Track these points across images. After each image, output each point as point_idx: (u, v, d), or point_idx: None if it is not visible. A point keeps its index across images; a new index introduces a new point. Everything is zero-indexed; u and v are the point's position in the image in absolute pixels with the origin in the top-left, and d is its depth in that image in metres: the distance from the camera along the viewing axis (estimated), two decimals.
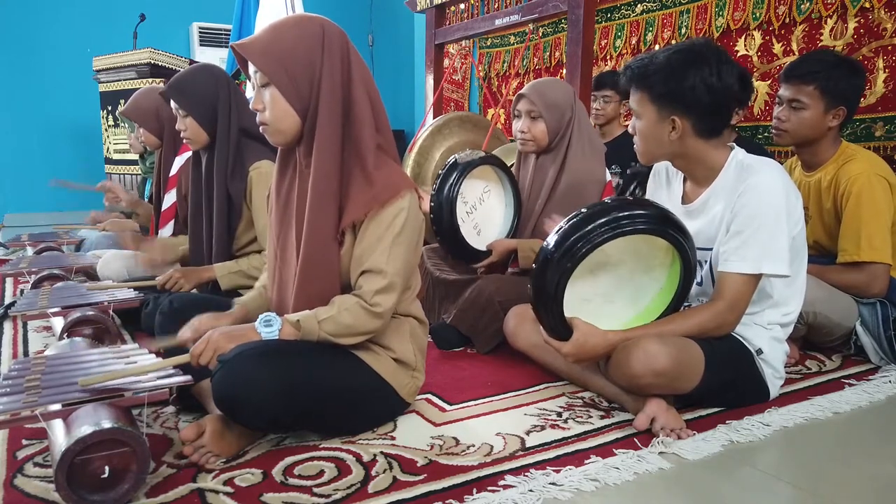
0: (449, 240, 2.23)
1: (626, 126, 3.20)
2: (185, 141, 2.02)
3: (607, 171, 2.23)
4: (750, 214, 1.49)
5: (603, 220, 1.42)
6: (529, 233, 2.25)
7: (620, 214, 1.43)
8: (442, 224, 2.20)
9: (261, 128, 1.39)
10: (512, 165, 2.36)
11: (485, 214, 2.30)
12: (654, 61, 1.54)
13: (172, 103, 2.01)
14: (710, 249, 1.60)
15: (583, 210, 1.46)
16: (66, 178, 6.12)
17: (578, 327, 1.50)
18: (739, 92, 1.56)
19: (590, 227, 1.41)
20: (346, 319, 1.33)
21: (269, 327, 1.32)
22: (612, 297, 1.59)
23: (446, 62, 4.19)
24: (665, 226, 1.46)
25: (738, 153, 1.60)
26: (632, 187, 2.35)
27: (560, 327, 1.51)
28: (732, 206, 1.53)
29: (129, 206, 2.94)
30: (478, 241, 2.25)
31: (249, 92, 1.59)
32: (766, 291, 1.58)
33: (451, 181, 2.18)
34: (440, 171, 2.25)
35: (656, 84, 1.52)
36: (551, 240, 1.46)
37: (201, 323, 1.43)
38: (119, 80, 4.60)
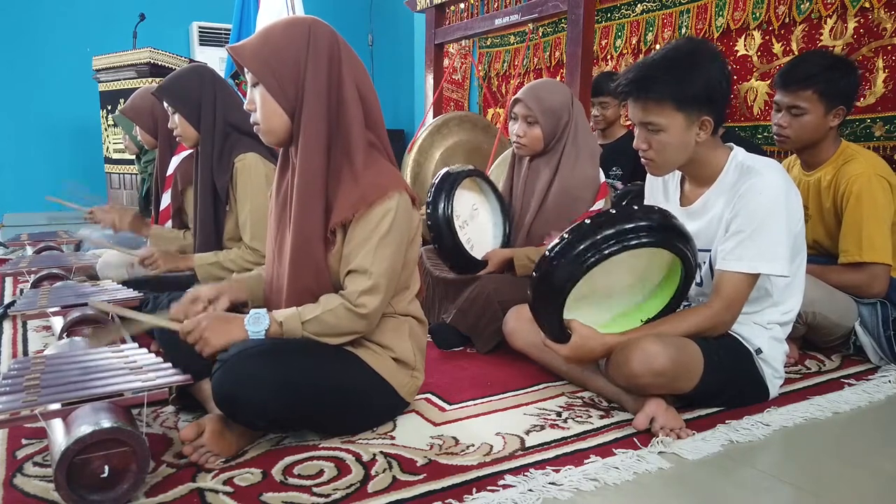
0: (451, 253, 2.21)
1: (628, 127, 3.20)
2: (177, 139, 2.07)
3: (601, 172, 2.23)
4: (750, 215, 1.49)
5: (611, 230, 1.38)
6: (524, 236, 2.24)
7: (627, 227, 1.39)
8: (442, 237, 2.18)
9: (254, 128, 1.42)
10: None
11: (476, 230, 2.30)
12: (662, 68, 1.48)
13: (164, 102, 2.07)
14: (710, 250, 1.60)
15: (587, 221, 1.42)
16: (66, 177, 6.15)
17: (577, 330, 1.49)
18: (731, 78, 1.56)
19: (599, 237, 1.38)
20: (330, 320, 1.33)
21: (256, 325, 1.32)
22: (610, 297, 1.58)
23: (446, 62, 4.19)
24: (670, 236, 1.43)
25: (738, 153, 1.60)
26: (624, 204, 2.34)
27: (558, 330, 1.51)
28: (733, 206, 1.53)
29: (132, 230, 2.75)
30: (472, 254, 2.25)
31: None
32: (767, 290, 1.58)
33: (443, 195, 2.17)
34: (433, 182, 2.25)
35: (686, 86, 1.46)
36: (555, 246, 1.44)
37: (187, 297, 1.44)
38: (119, 80, 4.60)
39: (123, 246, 2.33)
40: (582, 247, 1.39)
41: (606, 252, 1.39)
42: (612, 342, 1.50)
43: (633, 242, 1.40)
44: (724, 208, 1.56)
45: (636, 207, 1.47)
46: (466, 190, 2.28)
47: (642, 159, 1.61)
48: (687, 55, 1.50)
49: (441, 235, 2.19)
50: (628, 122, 2.95)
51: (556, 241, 1.44)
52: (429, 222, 2.21)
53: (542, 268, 1.46)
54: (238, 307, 1.57)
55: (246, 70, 1.37)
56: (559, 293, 1.43)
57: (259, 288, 1.57)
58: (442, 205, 2.17)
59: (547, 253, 1.45)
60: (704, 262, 1.63)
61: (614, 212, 1.46)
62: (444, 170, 2.26)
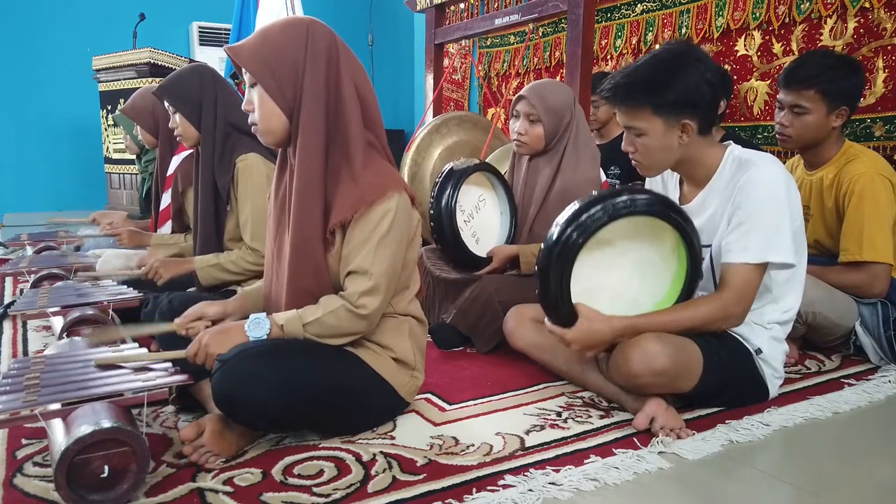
0: (451, 248, 2.22)
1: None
2: (178, 138, 2.06)
3: (602, 172, 2.23)
4: (751, 205, 1.49)
5: (603, 204, 1.43)
6: (526, 234, 2.24)
7: (620, 199, 1.44)
8: (444, 233, 2.19)
9: (252, 128, 1.42)
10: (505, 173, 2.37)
11: (482, 223, 2.30)
12: (641, 75, 1.52)
13: (164, 102, 2.06)
14: (710, 246, 1.60)
15: (584, 197, 1.47)
16: (66, 178, 6.16)
17: (583, 313, 1.49)
18: (725, 80, 1.57)
19: (593, 210, 1.42)
20: (331, 321, 1.34)
21: (258, 329, 1.32)
22: (623, 290, 1.57)
23: (446, 62, 4.18)
24: (665, 208, 1.47)
25: (735, 149, 1.60)
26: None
27: (566, 314, 1.50)
28: (732, 199, 1.53)
29: (132, 244, 2.71)
30: (477, 249, 2.25)
31: None
32: (766, 285, 1.57)
33: (448, 190, 2.18)
34: (437, 180, 2.25)
35: (662, 93, 1.50)
36: (557, 223, 1.46)
37: (193, 311, 1.47)
38: (119, 80, 4.60)
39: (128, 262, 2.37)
40: (581, 218, 1.43)
41: (598, 225, 1.42)
42: (619, 325, 1.49)
43: (624, 211, 1.43)
44: (725, 203, 1.56)
45: (630, 186, 1.50)
46: (474, 184, 2.27)
47: (632, 161, 1.63)
48: (666, 61, 1.52)
49: (442, 231, 2.19)
50: None
51: (557, 221, 1.47)
52: (431, 223, 2.21)
53: (546, 247, 1.47)
54: None
55: (244, 70, 1.37)
56: (564, 271, 1.44)
57: (258, 297, 1.57)
58: (445, 200, 2.17)
59: (550, 232, 1.47)
60: (704, 257, 1.63)
61: (610, 189, 1.50)
62: (449, 165, 2.26)
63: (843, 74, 1.98)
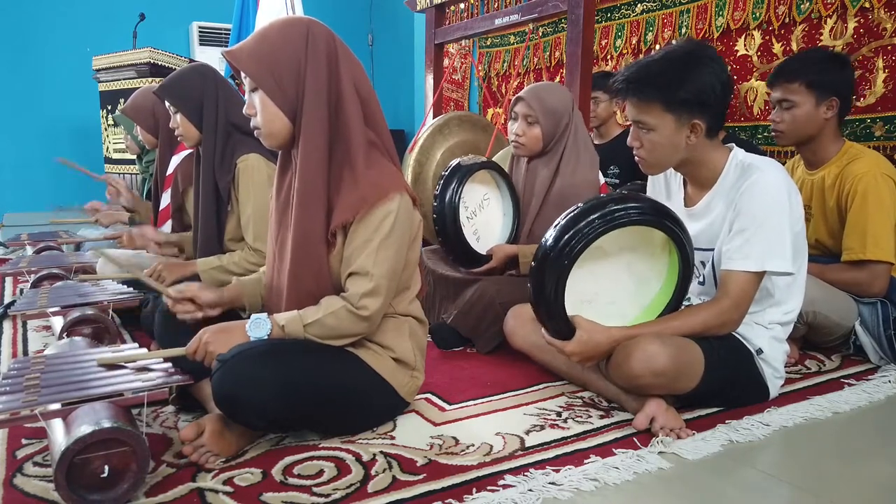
0: (452, 241, 2.23)
1: (623, 126, 3.20)
2: (178, 138, 2.06)
3: (601, 175, 2.23)
4: (752, 212, 1.49)
5: (598, 213, 1.42)
6: (526, 236, 2.24)
7: (615, 207, 1.43)
8: (445, 227, 2.19)
9: (255, 132, 1.41)
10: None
11: (484, 222, 2.30)
12: (655, 70, 1.50)
13: (165, 102, 2.06)
14: (713, 250, 1.60)
15: (579, 205, 1.46)
16: (66, 178, 6.15)
17: (581, 325, 1.49)
18: (731, 83, 1.56)
19: (585, 222, 1.42)
20: (332, 322, 1.34)
21: (259, 329, 1.32)
22: (614, 297, 1.58)
23: (446, 62, 4.18)
24: (660, 216, 1.46)
25: (738, 153, 1.60)
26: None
27: (562, 326, 1.50)
28: (734, 204, 1.53)
29: (129, 204, 2.94)
30: (477, 247, 2.25)
31: None
32: (768, 290, 1.58)
33: (453, 185, 2.18)
34: (443, 173, 2.25)
35: (675, 90, 1.48)
36: (549, 236, 1.46)
37: (189, 289, 1.47)
38: (119, 80, 4.59)
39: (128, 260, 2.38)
40: (573, 230, 1.42)
41: (593, 235, 1.41)
42: (618, 335, 1.49)
43: (623, 220, 1.43)
44: (726, 207, 1.56)
45: (625, 192, 1.50)
46: (479, 182, 2.27)
47: (635, 157, 1.62)
48: (681, 58, 1.51)
49: (445, 225, 2.19)
50: (627, 123, 2.95)
51: (552, 228, 1.46)
52: (434, 214, 2.21)
53: (539, 257, 1.46)
54: (238, 312, 1.57)
55: (243, 74, 1.36)
56: (558, 281, 1.43)
57: (254, 290, 1.57)
58: (449, 195, 2.17)
59: (543, 241, 1.46)
60: (707, 262, 1.63)
61: (604, 196, 1.49)
62: (456, 161, 2.25)
63: (828, 66, 2.00)
